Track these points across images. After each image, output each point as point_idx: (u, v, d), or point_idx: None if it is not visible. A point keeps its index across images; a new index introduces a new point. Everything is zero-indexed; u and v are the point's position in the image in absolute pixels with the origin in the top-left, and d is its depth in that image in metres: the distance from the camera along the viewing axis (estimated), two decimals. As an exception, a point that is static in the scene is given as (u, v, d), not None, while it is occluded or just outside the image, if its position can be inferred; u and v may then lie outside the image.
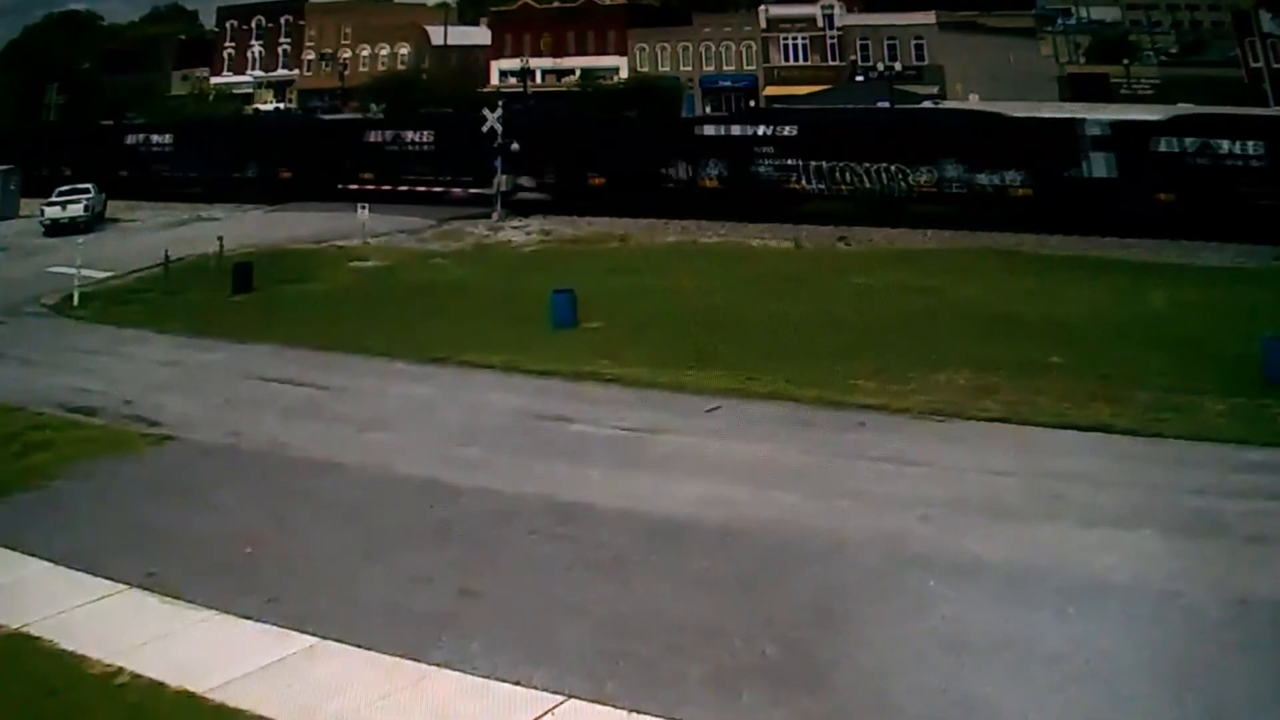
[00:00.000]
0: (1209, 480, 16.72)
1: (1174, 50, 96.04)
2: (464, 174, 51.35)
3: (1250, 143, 36.94)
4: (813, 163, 44.02)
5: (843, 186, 43.88)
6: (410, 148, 53.62)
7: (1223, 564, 13.93)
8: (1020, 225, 39.09)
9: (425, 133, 53.89)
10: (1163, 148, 38.24)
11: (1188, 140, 37.95)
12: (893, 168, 42.76)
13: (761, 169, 44.92)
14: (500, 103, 52.58)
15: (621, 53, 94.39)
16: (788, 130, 45.17)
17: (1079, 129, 40.31)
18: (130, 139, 64.15)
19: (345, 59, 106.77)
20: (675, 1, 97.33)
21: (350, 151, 55.27)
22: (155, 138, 63.36)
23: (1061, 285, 30.77)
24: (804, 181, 44.23)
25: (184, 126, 67.66)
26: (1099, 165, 39.18)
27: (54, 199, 51.25)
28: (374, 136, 55.79)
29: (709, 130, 48.76)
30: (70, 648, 12.77)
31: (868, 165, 43.16)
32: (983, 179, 41.20)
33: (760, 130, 45.85)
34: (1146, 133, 39.19)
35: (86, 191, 51.95)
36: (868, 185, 43.37)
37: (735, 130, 47.02)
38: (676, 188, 46.96)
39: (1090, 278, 31.70)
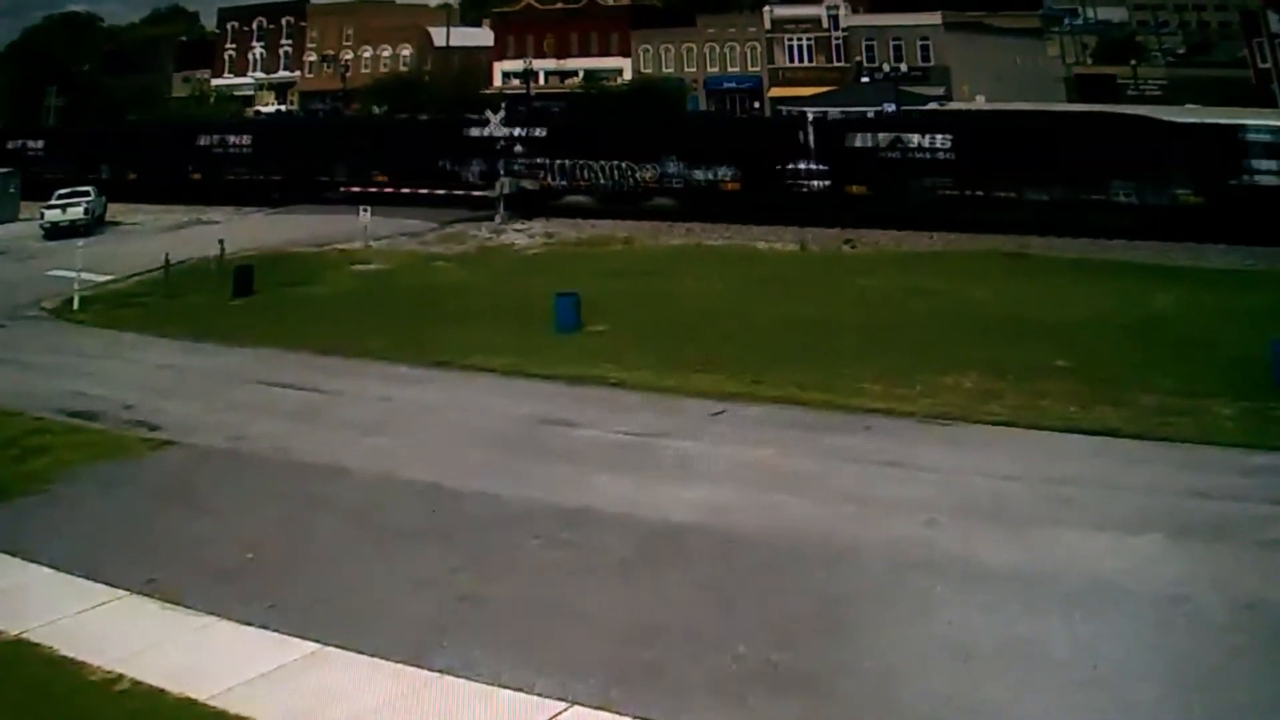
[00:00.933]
0: (1217, 484, 16.62)
1: (1181, 51, 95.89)
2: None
3: (938, 137, 42.19)
4: (557, 161, 50.01)
5: (581, 182, 49.94)
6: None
7: (1230, 568, 13.84)
8: (732, 218, 44.56)
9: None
10: (857, 143, 43.79)
11: (880, 136, 43.72)
12: (623, 164, 48.61)
13: (516, 167, 50.47)
14: (503, 105, 52.60)
15: (625, 54, 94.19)
16: (538, 132, 51.32)
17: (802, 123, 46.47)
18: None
19: (347, 61, 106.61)
20: (679, 2, 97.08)
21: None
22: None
23: (1067, 288, 30.68)
24: (550, 178, 50.32)
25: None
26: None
27: (53, 202, 51.20)
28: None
29: (473, 132, 53.12)
30: (70, 654, 12.69)
31: (603, 163, 49.10)
32: (699, 174, 47.11)
33: (515, 132, 51.06)
34: (845, 129, 45.69)
35: (86, 194, 51.90)
36: (601, 181, 49.47)
37: (490, 132, 51.52)
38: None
39: (1096, 280, 31.63)
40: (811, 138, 45.01)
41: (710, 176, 46.78)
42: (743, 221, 43.79)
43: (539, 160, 50.29)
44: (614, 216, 47.36)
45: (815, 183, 44.62)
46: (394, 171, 53.14)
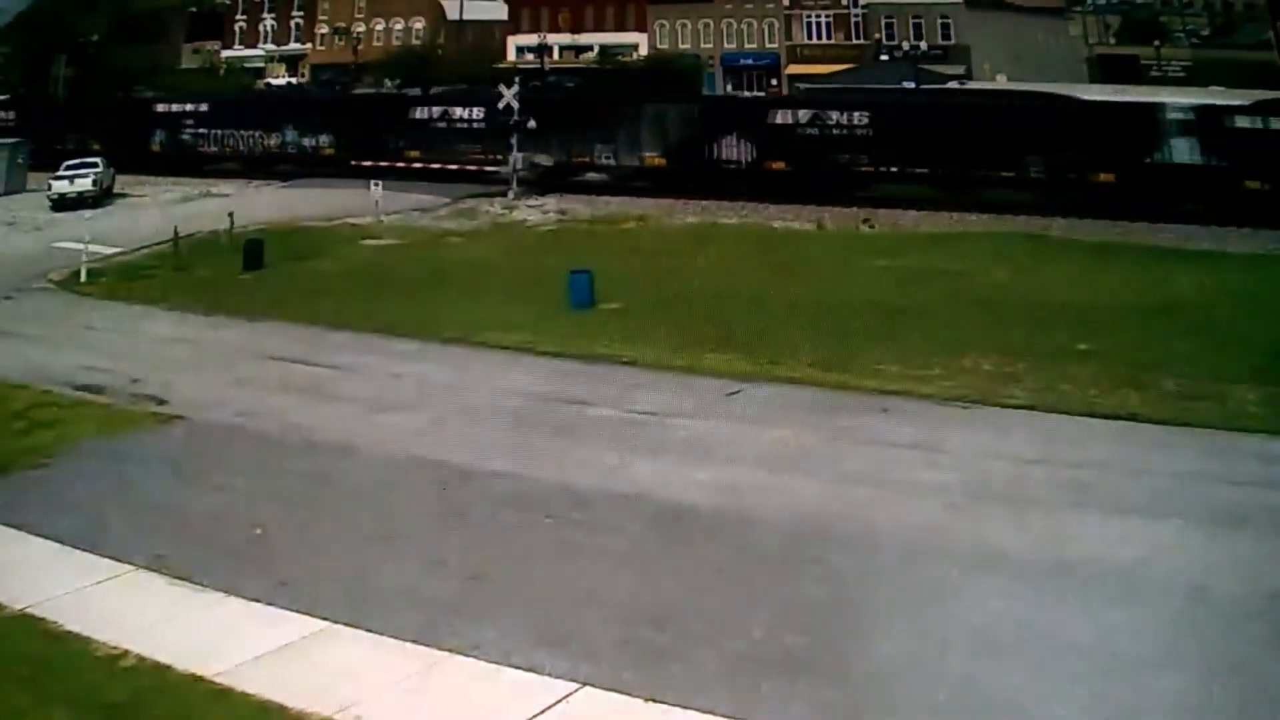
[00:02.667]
0: (1239, 470, 16.49)
1: (1205, 32, 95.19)
2: None
3: (855, 114, 44.69)
4: (214, 131, 59.16)
5: (226, 148, 58.90)
6: None
7: (1252, 556, 13.73)
8: (657, 193, 46.85)
9: None
10: (778, 120, 46.80)
11: (801, 113, 46.40)
12: (256, 133, 58.28)
13: (185, 137, 59.71)
14: (516, 80, 52.33)
15: (641, 29, 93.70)
16: (203, 107, 60.67)
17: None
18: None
19: (359, 33, 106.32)
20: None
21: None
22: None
23: (1090, 271, 30.42)
24: (209, 145, 59.32)
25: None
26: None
27: (61, 173, 51.00)
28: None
29: (159, 108, 62.56)
30: (75, 629, 12.64)
31: (243, 132, 58.57)
32: (307, 141, 56.86)
33: (188, 107, 60.85)
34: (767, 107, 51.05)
35: (95, 165, 51.69)
36: (241, 148, 58.72)
37: (174, 108, 61.32)
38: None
39: (1118, 263, 31.35)
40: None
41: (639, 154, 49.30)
42: (669, 195, 46.04)
43: (201, 130, 59.33)
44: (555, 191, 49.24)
45: (737, 158, 46.94)
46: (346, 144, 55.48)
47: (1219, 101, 43.26)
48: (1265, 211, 36.34)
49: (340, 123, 56.92)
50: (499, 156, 49.64)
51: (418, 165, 52.28)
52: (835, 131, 44.86)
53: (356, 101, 63.21)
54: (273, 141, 58.02)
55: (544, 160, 49.67)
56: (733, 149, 46.83)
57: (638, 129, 49.09)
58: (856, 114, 44.75)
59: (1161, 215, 37.42)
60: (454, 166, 52.08)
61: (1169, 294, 27.43)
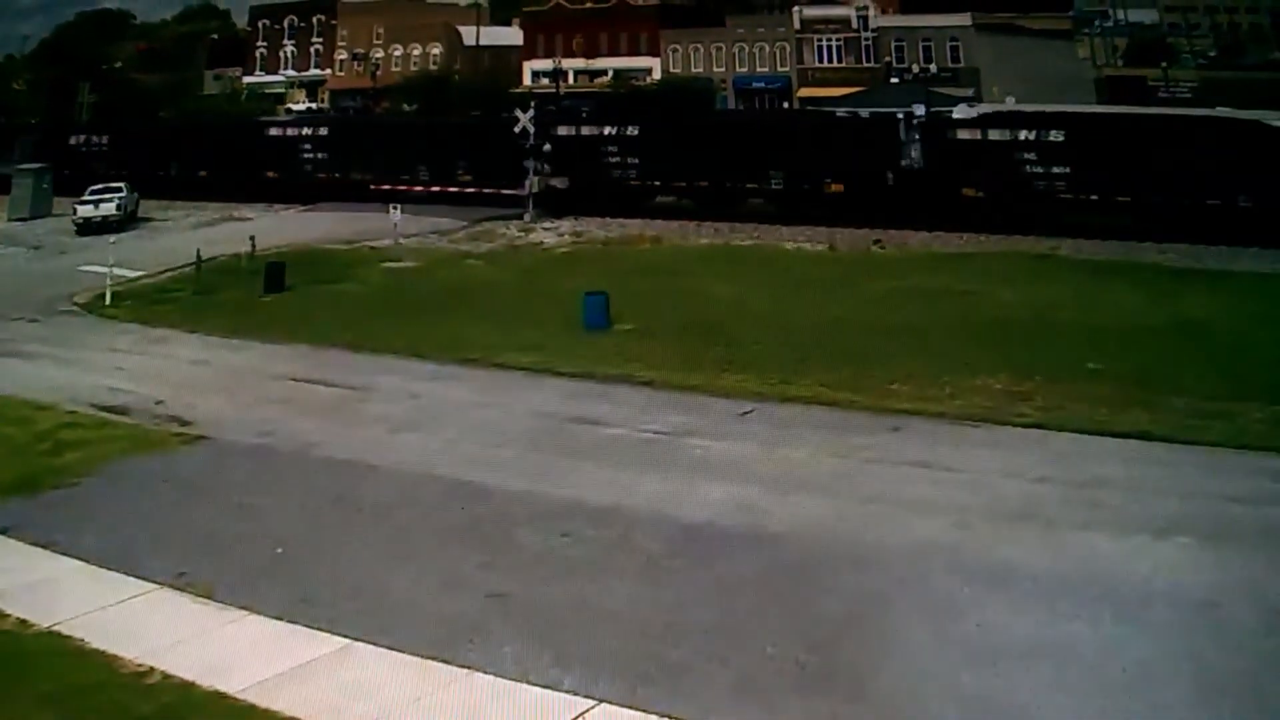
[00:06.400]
0: (1248, 488, 16.51)
1: (1212, 53, 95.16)
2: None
3: (628, 128, 48.91)
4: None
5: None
6: None
7: (1261, 574, 13.76)
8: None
9: None
10: (561, 133, 50.37)
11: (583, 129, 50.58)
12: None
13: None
14: (532, 104, 52.70)
15: (654, 53, 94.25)
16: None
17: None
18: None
19: (377, 59, 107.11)
20: (709, 2, 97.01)
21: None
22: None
23: (1099, 290, 30.48)
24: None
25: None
26: None
27: (86, 197, 51.55)
28: None
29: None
30: (101, 647, 12.78)
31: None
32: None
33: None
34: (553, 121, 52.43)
35: (119, 190, 52.21)
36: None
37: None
38: None
39: (1126, 283, 31.39)
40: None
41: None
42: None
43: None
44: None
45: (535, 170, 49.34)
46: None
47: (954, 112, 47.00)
48: (980, 218, 40.41)
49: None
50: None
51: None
52: (609, 146, 49.27)
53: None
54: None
55: (559, 184, 50.01)
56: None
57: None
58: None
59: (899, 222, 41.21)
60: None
61: (1177, 313, 27.48)
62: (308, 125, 62.11)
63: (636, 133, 48.80)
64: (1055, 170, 40.35)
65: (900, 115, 44.43)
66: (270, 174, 57.55)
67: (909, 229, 40.91)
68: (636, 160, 48.55)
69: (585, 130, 50.74)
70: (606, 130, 49.59)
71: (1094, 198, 39.88)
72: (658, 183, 48.52)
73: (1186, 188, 37.41)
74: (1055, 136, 40.45)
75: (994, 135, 41.50)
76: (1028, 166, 40.69)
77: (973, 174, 41.77)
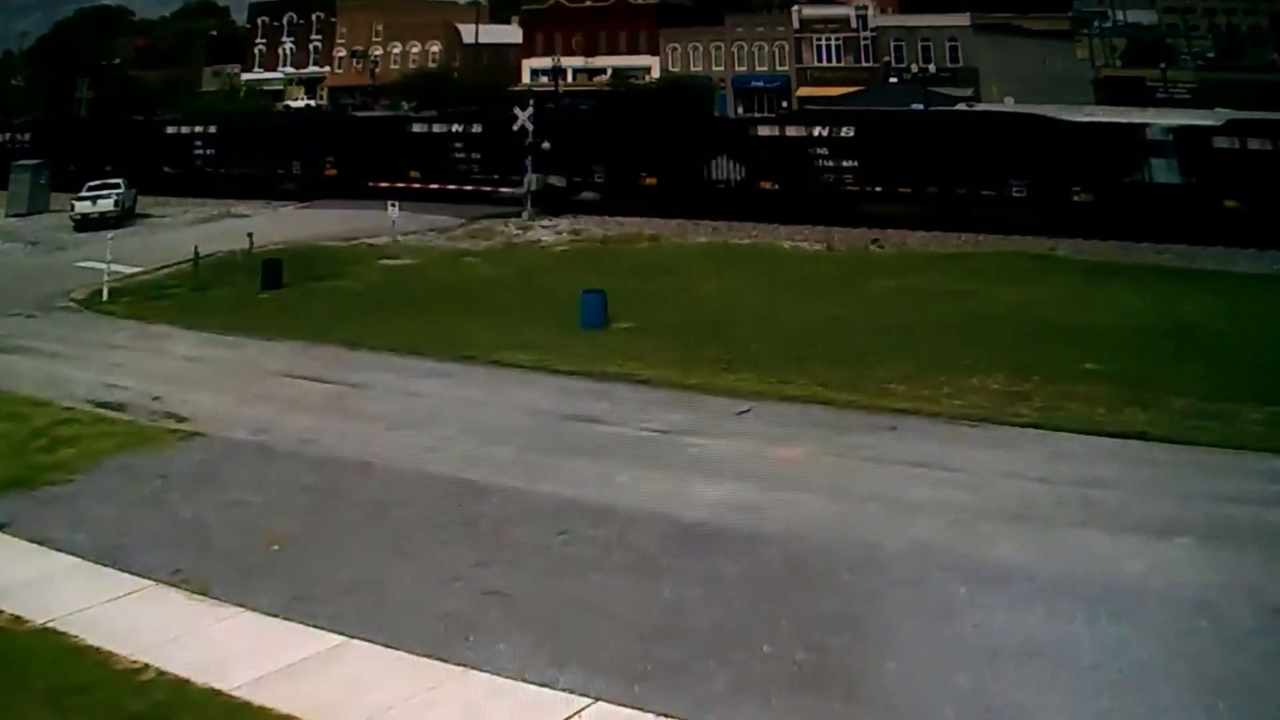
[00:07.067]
0: (1245, 488, 16.53)
1: (1211, 55, 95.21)
2: None
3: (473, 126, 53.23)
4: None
5: None
6: None
7: (1258, 573, 13.76)
8: None
9: None
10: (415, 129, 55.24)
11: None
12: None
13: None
14: (531, 102, 52.70)
15: (653, 52, 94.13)
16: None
17: None
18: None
19: (376, 56, 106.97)
20: (708, 1, 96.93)
21: None
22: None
23: (1097, 291, 30.54)
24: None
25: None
26: None
27: (84, 194, 51.49)
28: None
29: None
30: (95, 643, 12.74)
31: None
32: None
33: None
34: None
35: (117, 186, 52.16)
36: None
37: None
38: None
39: (1124, 283, 31.45)
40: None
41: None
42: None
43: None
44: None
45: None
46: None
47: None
48: (778, 210, 43.68)
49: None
50: None
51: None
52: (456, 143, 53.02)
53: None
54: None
55: (557, 181, 49.96)
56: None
57: None
58: None
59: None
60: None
61: (1175, 314, 27.55)
62: (199, 124, 64.17)
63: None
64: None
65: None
66: (167, 169, 60.59)
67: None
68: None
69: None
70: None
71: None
72: (497, 175, 50.15)
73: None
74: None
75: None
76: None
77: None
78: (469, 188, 52.07)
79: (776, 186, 45.38)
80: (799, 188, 44.61)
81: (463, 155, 52.94)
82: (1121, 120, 44.29)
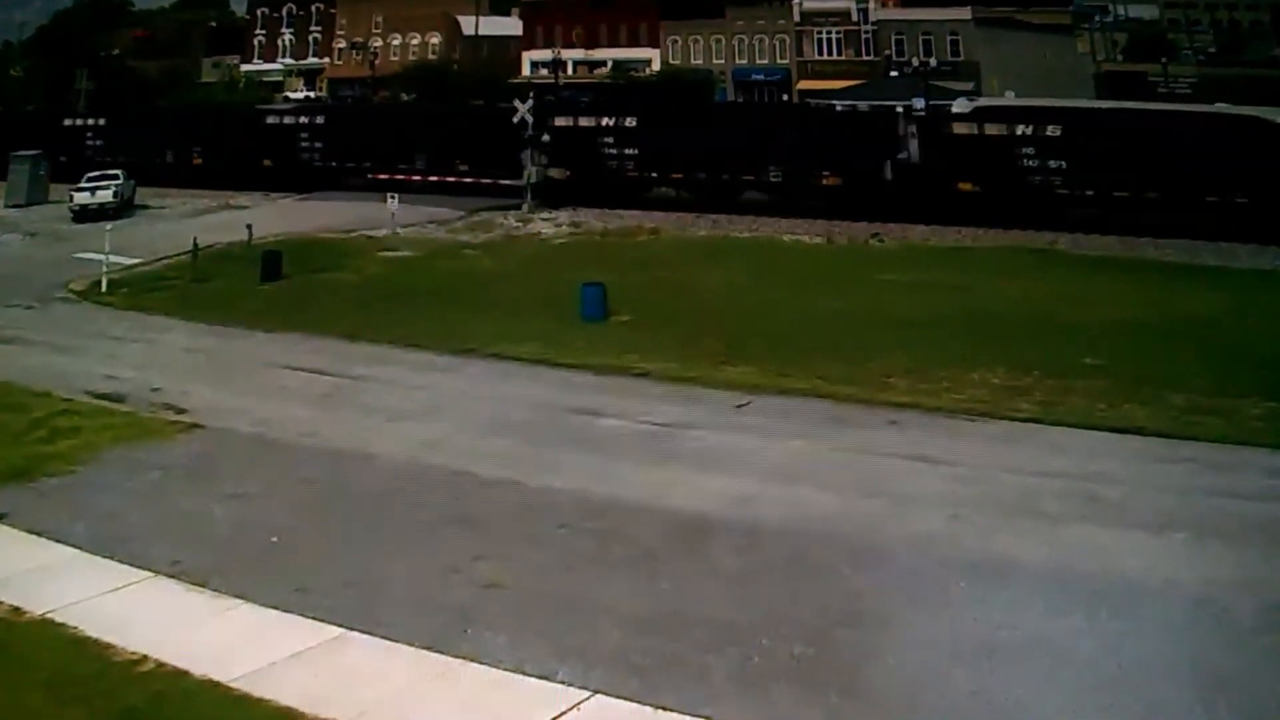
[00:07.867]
0: (1245, 484, 16.57)
1: (1212, 50, 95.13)
2: None
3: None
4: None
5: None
6: None
7: (1258, 569, 13.76)
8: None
9: None
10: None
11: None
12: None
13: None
14: (531, 94, 52.67)
15: (654, 45, 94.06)
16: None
17: None
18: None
19: (376, 48, 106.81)
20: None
21: None
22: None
23: (1096, 285, 30.52)
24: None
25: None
26: None
27: (83, 184, 51.44)
28: None
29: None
30: (94, 635, 12.70)
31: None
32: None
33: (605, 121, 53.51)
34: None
35: (116, 178, 52.11)
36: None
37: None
38: None
39: (1125, 278, 31.42)
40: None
41: None
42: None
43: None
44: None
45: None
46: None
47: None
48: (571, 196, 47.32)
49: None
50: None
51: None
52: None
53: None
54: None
55: (557, 174, 50.00)
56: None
57: None
58: None
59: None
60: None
61: (1175, 309, 27.53)
62: (90, 118, 66.32)
63: (635, 124, 49.01)
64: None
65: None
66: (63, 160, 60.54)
67: (906, 222, 40.88)
68: (635, 151, 48.73)
69: (583, 122, 50.99)
70: (604, 121, 49.84)
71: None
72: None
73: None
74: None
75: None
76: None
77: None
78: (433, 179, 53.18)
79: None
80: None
81: (308, 144, 56.61)
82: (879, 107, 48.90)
